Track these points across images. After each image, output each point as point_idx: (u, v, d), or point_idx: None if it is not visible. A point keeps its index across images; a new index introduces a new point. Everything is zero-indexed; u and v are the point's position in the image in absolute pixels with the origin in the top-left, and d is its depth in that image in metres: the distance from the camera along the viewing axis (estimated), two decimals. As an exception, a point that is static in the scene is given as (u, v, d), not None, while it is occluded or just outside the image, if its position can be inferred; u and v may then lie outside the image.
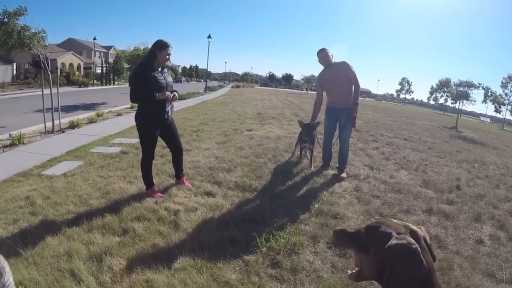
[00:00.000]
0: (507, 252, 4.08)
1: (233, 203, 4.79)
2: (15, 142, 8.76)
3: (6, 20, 10.11)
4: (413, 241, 1.22)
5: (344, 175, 6.27)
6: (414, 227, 1.34)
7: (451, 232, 4.50)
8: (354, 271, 1.51)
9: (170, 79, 4.90)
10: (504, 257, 3.97)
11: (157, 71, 4.65)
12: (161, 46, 4.63)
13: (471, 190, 6.47)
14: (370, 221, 4.40)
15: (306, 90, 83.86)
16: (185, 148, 6.58)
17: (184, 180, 5.40)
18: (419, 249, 1.20)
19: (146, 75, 4.52)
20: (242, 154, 7.42)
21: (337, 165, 6.49)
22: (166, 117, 4.78)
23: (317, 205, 4.79)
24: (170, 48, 4.68)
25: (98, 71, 53.75)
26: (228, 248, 3.55)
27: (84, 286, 2.89)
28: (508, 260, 3.89)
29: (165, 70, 4.84)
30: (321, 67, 6.42)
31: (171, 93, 4.73)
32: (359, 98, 6.32)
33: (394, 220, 1.39)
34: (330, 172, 6.48)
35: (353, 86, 6.19)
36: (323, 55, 6.18)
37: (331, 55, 6.19)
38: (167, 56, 4.69)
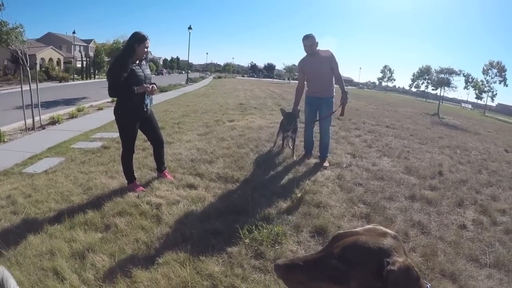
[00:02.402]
0: (490, 237, 4.16)
1: (216, 195, 4.80)
2: (-5, 140, 8.62)
3: (-17, 16, 9.91)
4: (405, 256, 1.05)
5: (326, 163, 6.31)
6: (390, 231, 1.15)
7: (434, 218, 4.56)
8: None
9: (148, 71, 4.86)
10: (487, 241, 4.03)
11: (135, 64, 4.60)
12: (139, 40, 4.56)
13: (454, 176, 6.56)
14: (353, 209, 4.47)
15: (288, 79, 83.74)
16: (166, 141, 6.56)
17: (166, 173, 5.39)
18: (411, 263, 1.03)
19: (124, 73, 4.46)
20: (224, 145, 7.42)
21: (319, 154, 6.52)
22: (145, 110, 4.75)
23: (299, 194, 4.81)
24: (148, 41, 4.63)
25: (79, 65, 52.98)
26: (211, 241, 3.56)
27: (67, 284, 2.86)
28: (492, 245, 3.95)
29: (143, 62, 4.79)
30: (304, 53, 6.38)
31: (149, 86, 4.70)
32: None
33: (361, 231, 1.16)
34: (312, 161, 6.52)
35: (334, 77, 6.20)
36: (308, 43, 6.13)
37: (317, 43, 6.16)
38: (145, 49, 4.65)
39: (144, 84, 4.63)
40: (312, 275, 1.11)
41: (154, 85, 4.86)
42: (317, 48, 6.18)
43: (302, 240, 3.68)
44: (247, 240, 3.56)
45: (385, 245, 1.07)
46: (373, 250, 1.05)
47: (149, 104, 4.81)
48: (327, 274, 1.08)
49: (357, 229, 1.17)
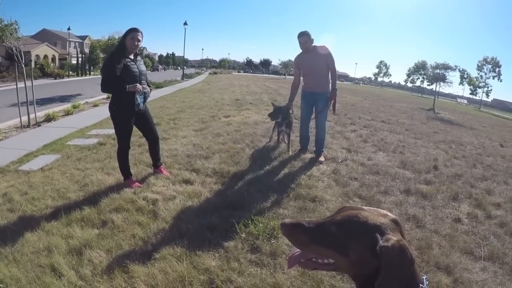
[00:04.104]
0: (484, 230, 4.19)
1: (212, 190, 4.82)
2: (-10, 138, 8.60)
3: (-23, 13, 9.87)
4: (400, 237, 1.11)
5: (322, 158, 6.32)
6: (391, 214, 1.21)
7: (429, 211, 4.58)
8: (299, 254, 1.27)
9: (143, 67, 4.85)
10: (481, 234, 4.06)
11: (129, 60, 4.59)
12: (128, 32, 4.58)
13: (449, 170, 6.59)
14: (349, 204, 4.49)
15: (284, 75, 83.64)
16: (162, 137, 6.56)
17: (162, 169, 5.40)
18: (406, 244, 1.08)
19: (117, 65, 4.45)
20: (220, 141, 7.43)
21: (314, 149, 6.55)
22: (136, 109, 4.75)
23: (295, 189, 4.83)
24: (138, 33, 4.58)
25: (74, 62, 52.88)
26: (207, 235, 3.57)
27: (64, 280, 2.87)
28: (486, 238, 3.98)
29: (138, 58, 4.78)
30: (300, 50, 6.38)
31: (141, 87, 4.69)
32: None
33: (366, 208, 1.22)
34: (308, 155, 6.53)
35: (329, 72, 6.21)
36: (303, 40, 6.12)
37: (312, 40, 6.15)
38: (136, 42, 4.58)
39: (137, 85, 4.61)
40: (313, 238, 1.18)
41: (147, 90, 4.88)
42: (313, 44, 6.18)
43: (298, 235, 3.68)
44: (243, 235, 3.58)
45: (382, 224, 1.12)
46: (370, 225, 1.11)
47: (141, 104, 4.78)
48: (326, 240, 1.16)
49: (363, 206, 1.23)
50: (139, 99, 4.72)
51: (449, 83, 33.01)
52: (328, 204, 4.46)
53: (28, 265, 3.11)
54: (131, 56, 4.66)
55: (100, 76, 4.69)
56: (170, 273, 2.94)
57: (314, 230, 1.19)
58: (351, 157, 6.75)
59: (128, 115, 4.74)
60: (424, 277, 1.15)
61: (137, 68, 4.67)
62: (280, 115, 6.60)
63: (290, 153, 6.67)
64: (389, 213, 1.20)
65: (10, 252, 3.33)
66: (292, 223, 1.22)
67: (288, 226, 1.22)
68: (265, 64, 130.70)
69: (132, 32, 4.57)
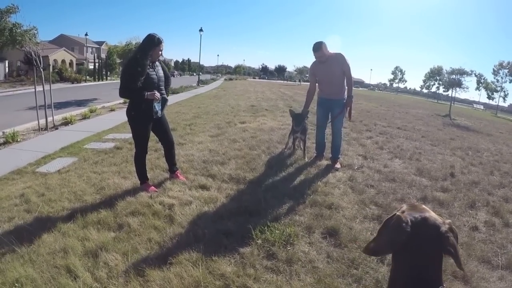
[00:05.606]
0: (502, 238, 4.10)
1: (228, 196, 4.80)
2: (9, 140, 8.70)
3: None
4: (399, 222, 1.45)
5: (338, 165, 6.29)
6: (431, 216, 1.49)
7: (446, 219, 4.50)
8: None
9: (161, 73, 4.85)
10: (499, 243, 3.98)
11: (148, 66, 4.61)
12: (155, 43, 4.58)
13: (465, 177, 6.49)
14: (365, 211, 4.46)
15: (299, 81, 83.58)
16: (178, 142, 6.56)
17: (178, 174, 5.40)
18: (397, 230, 1.43)
19: (141, 77, 4.47)
20: (236, 147, 7.42)
21: (331, 156, 6.51)
22: (154, 116, 4.76)
23: (311, 196, 4.81)
24: (163, 43, 4.65)
25: (91, 67, 53.55)
26: (223, 241, 3.56)
27: (80, 282, 2.89)
28: (504, 246, 3.90)
29: (156, 64, 4.79)
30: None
31: (159, 95, 4.70)
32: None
33: (420, 207, 1.56)
34: (324, 162, 6.49)
35: (345, 78, 6.17)
36: (317, 55, 6.10)
37: (327, 50, 6.09)
38: (160, 52, 4.67)
39: (155, 93, 4.63)
40: None
41: (165, 96, 4.92)
42: (329, 52, 6.15)
43: (314, 241, 3.67)
44: (259, 241, 3.56)
45: (408, 213, 1.53)
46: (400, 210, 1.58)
47: (158, 112, 4.79)
48: None
49: (424, 206, 1.61)
50: (157, 106, 4.73)
51: (465, 89, 32.83)
52: (344, 211, 4.42)
53: (44, 265, 3.13)
54: (150, 63, 4.67)
55: (119, 81, 4.69)
56: (185, 278, 2.94)
57: None
58: (367, 164, 6.70)
59: (146, 120, 4.75)
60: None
61: (156, 75, 4.69)
62: (303, 121, 6.60)
63: (306, 159, 6.63)
64: (430, 216, 1.53)
65: (26, 252, 3.36)
66: None
67: None
68: (280, 71, 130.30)
69: (160, 44, 4.62)
